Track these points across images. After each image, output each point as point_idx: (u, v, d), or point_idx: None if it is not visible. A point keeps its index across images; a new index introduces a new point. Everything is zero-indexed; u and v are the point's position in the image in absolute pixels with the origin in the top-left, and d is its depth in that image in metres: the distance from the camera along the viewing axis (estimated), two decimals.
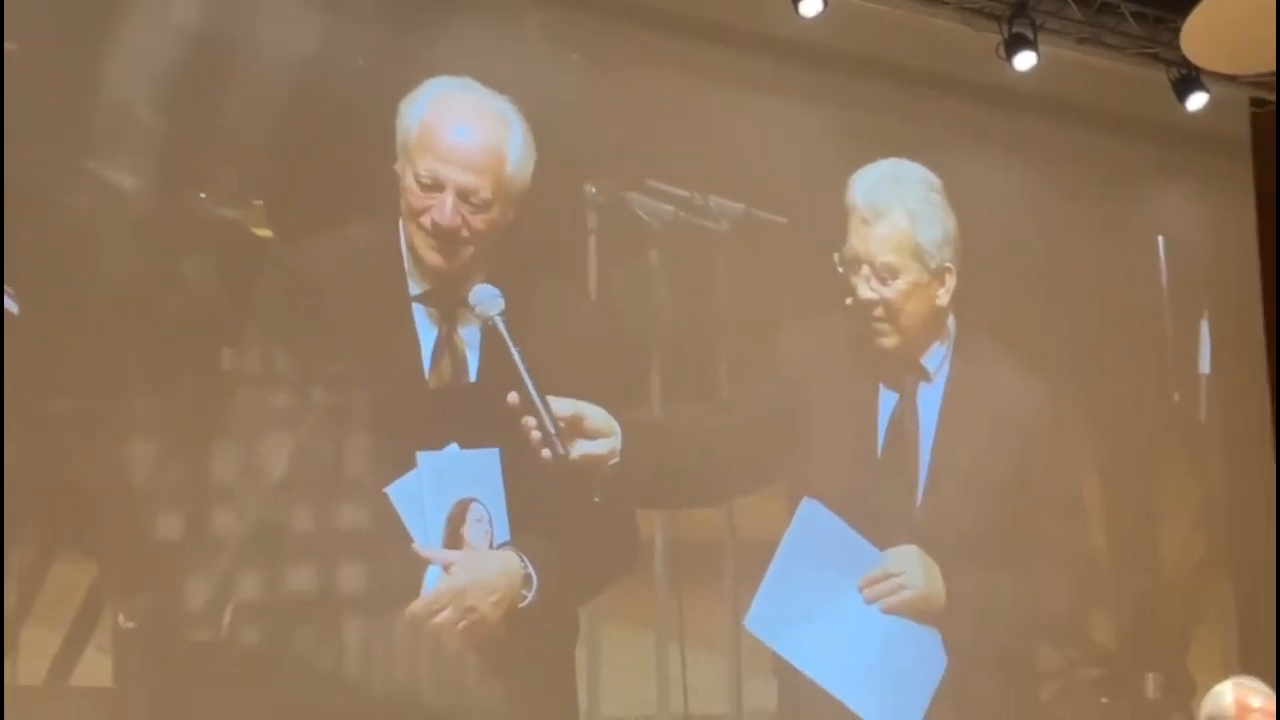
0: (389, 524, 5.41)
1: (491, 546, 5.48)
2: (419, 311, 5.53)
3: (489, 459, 5.50)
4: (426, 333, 5.53)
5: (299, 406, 5.40)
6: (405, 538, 5.41)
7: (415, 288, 5.53)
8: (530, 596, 5.53)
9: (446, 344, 5.56)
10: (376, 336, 5.48)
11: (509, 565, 5.51)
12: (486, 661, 5.51)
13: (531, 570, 5.52)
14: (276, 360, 5.38)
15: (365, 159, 5.54)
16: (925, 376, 6.56)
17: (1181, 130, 7.32)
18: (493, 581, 5.48)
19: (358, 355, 5.46)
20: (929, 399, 6.55)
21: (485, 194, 5.56)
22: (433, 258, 5.51)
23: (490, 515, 5.50)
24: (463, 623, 5.43)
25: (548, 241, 5.86)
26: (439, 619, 5.41)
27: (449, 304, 5.56)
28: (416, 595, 5.39)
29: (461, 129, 5.62)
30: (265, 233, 5.39)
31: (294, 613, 5.26)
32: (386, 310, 5.51)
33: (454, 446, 5.49)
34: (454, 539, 5.44)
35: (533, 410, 5.43)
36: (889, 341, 6.46)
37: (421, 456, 5.41)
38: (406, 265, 5.52)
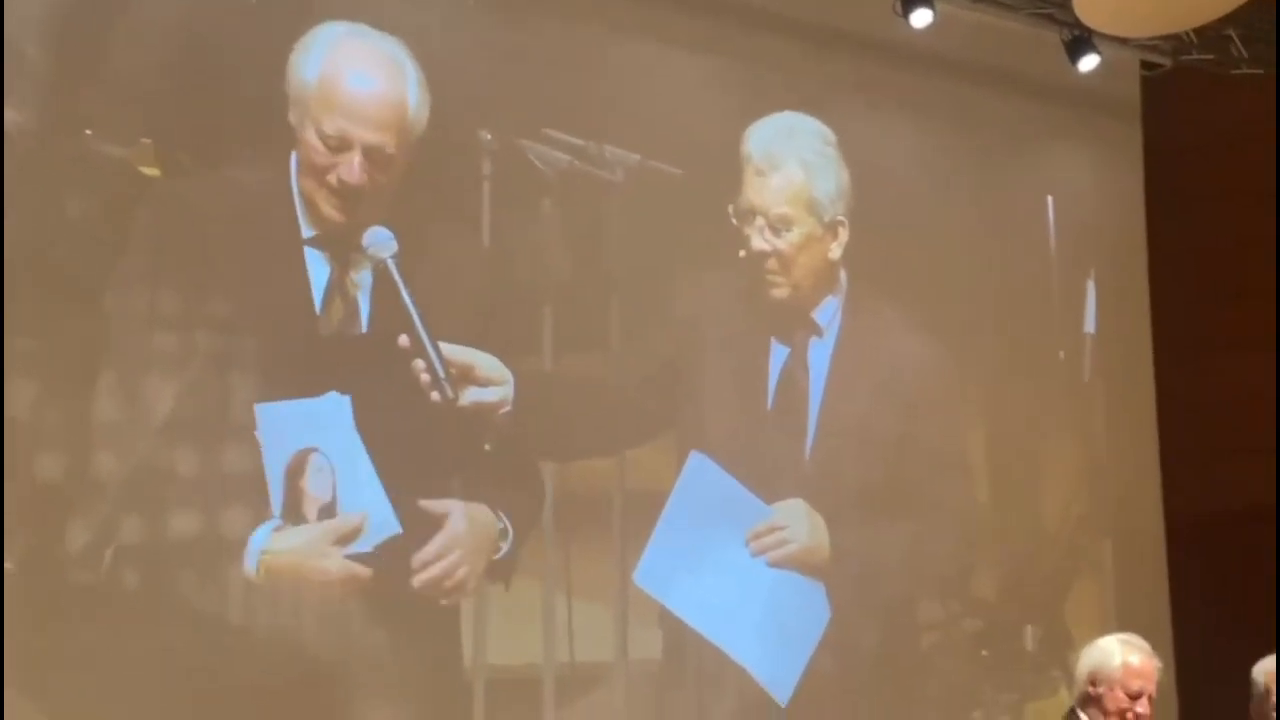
0: None
1: (334, 497, 5.41)
2: (310, 254, 5.47)
3: (336, 406, 5.43)
4: (318, 275, 5.48)
5: (184, 348, 5.32)
6: None
7: (307, 230, 5.47)
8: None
9: (338, 287, 5.51)
10: (266, 278, 5.42)
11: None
12: (372, 608, 5.48)
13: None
14: (162, 301, 5.30)
15: (257, 98, 5.46)
16: (816, 331, 6.60)
17: (1073, 91, 7.38)
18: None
19: (246, 297, 5.39)
20: (819, 354, 6.59)
21: (390, 150, 5.53)
22: (333, 212, 5.47)
23: (333, 465, 5.42)
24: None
25: (441, 187, 5.82)
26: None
27: (342, 248, 5.51)
28: (330, 514, 5.33)
29: (364, 82, 5.56)
30: (153, 171, 5.30)
31: (176, 556, 5.20)
32: (277, 252, 5.44)
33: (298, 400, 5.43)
34: (294, 491, 5.36)
35: (422, 353, 5.42)
36: (781, 293, 6.49)
37: (259, 409, 5.34)
38: (299, 210, 5.46)
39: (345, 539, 5.36)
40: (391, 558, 5.46)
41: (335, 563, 5.34)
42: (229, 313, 5.37)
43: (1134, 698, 4.92)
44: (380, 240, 5.50)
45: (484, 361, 5.70)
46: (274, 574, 5.26)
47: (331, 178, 5.45)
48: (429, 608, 5.65)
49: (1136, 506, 7.62)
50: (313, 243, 5.48)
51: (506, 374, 5.75)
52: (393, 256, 5.48)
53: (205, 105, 5.38)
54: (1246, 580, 7.75)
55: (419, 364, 5.47)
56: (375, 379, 5.50)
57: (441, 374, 5.48)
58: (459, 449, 5.67)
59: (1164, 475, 7.68)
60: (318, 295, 5.49)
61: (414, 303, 5.44)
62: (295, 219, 5.47)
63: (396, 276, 5.46)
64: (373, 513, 5.41)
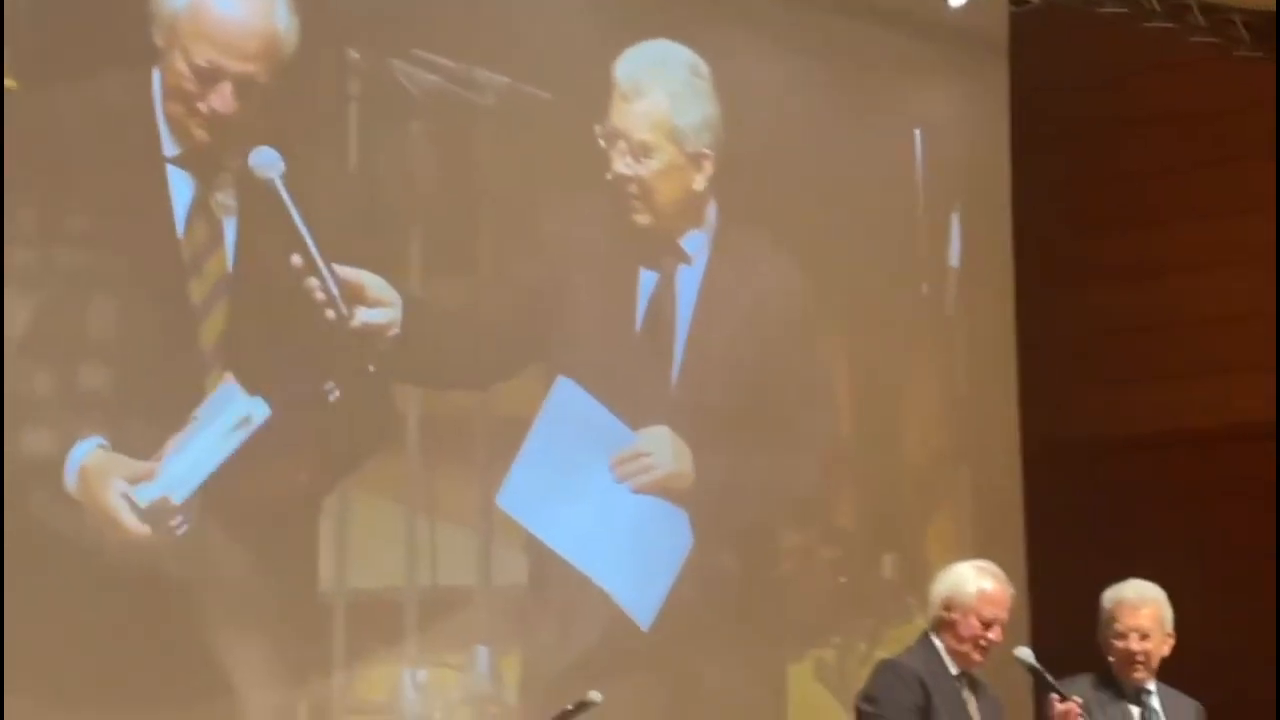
0: (130, 387, 5.29)
1: (166, 454, 5.31)
2: (174, 173, 5.38)
3: (245, 401, 5.40)
4: (181, 194, 5.39)
5: (42, 265, 5.22)
6: (147, 401, 5.29)
7: (171, 148, 5.37)
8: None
9: (202, 208, 5.43)
10: (127, 196, 5.32)
11: None
12: (230, 530, 5.44)
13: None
14: (19, 217, 5.18)
15: (118, 10, 5.34)
16: (685, 259, 6.61)
17: (943, 26, 7.41)
18: None
19: (107, 214, 5.29)
20: (688, 282, 6.61)
21: (263, 79, 5.45)
22: (201, 135, 5.38)
23: (195, 431, 5.35)
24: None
25: (309, 107, 5.74)
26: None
27: (208, 168, 5.42)
28: (156, 460, 5.26)
29: (234, 10, 5.46)
30: (10, 83, 5.17)
31: (30, 476, 5.12)
32: (138, 169, 5.34)
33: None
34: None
35: (315, 272, 5.39)
36: (643, 219, 6.50)
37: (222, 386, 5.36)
38: (162, 130, 5.36)
39: (131, 479, 5.24)
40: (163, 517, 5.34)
41: (112, 497, 5.22)
42: (89, 230, 5.27)
43: (987, 625, 4.98)
44: (268, 160, 5.44)
45: (373, 282, 5.68)
46: (79, 487, 5.18)
47: (202, 105, 5.36)
48: (288, 530, 5.62)
49: (994, 437, 7.73)
50: (176, 161, 5.38)
51: (395, 295, 5.74)
52: (280, 176, 5.41)
53: (64, 16, 5.25)
54: (1102, 508, 7.91)
55: (312, 283, 5.42)
56: (251, 298, 5.44)
57: (335, 293, 5.45)
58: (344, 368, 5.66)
59: (1022, 406, 7.80)
60: (180, 215, 5.40)
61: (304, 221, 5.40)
62: (157, 136, 5.37)
63: (285, 196, 5.40)
64: (173, 476, 5.30)
